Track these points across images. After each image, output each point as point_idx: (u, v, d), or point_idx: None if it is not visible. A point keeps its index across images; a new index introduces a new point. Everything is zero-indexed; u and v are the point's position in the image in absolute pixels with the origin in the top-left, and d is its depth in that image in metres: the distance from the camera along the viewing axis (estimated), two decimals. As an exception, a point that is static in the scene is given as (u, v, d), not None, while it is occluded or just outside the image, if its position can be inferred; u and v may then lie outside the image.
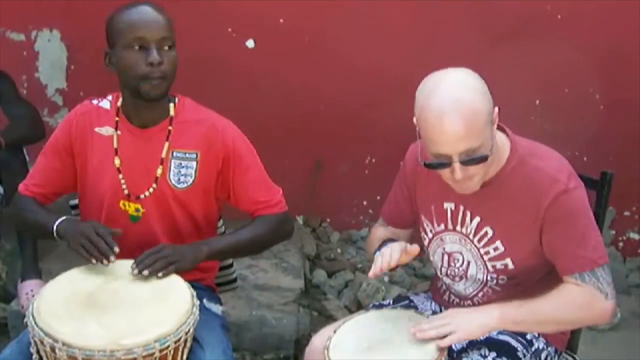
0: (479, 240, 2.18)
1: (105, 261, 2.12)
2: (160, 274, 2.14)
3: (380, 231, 2.41)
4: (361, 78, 3.97)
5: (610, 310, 2.10)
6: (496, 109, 2.01)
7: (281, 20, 3.96)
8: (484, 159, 1.99)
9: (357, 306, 3.58)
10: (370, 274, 2.11)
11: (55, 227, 2.24)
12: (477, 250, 2.19)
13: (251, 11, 3.93)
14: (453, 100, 1.94)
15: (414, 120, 2.04)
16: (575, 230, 2.07)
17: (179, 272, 2.18)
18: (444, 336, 2.03)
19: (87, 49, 3.96)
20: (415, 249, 2.13)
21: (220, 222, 2.56)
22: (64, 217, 2.28)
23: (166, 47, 2.19)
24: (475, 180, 2.06)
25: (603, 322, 2.16)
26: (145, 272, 2.13)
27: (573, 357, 2.38)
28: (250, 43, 3.98)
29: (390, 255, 2.10)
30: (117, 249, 2.13)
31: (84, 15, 3.92)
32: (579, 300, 2.08)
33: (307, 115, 4.05)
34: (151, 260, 2.16)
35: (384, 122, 3.94)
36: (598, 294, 2.07)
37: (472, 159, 1.98)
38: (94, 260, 2.13)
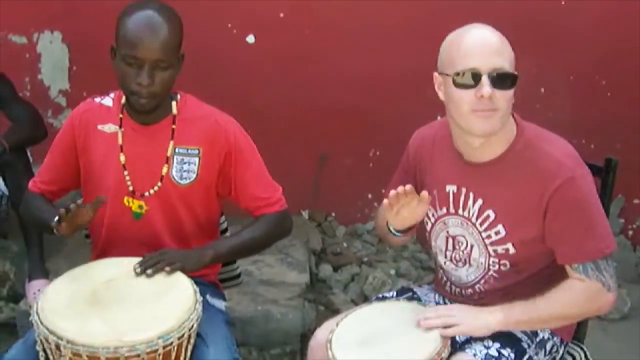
0: (481, 224, 2.17)
1: (62, 210, 2.11)
2: (167, 269, 2.16)
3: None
4: (364, 71, 3.96)
5: (611, 302, 2.10)
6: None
7: (281, 15, 3.95)
8: (513, 78, 2.02)
9: (364, 300, 3.57)
10: (390, 195, 2.11)
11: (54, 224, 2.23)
12: (479, 234, 2.18)
13: (251, 6, 3.92)
14: (485, 28, 2.05)
15: (435, 75, 2.12)
16: (581, 219, 2.06)
17: (182, 271, 2.19)
18: (447, 327, 2.04)
19: (89, 49, 3.96)
20: (425, 193, 2.11)
21: (223, 218, 2.57)
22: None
23: (162, 67, 2.19)
24: (498, 114, 2.04)
25: (603, 313, 2.16)
26: (149, 271, 2.15)
27: (580, 347, 2.36)
28: (250, 38, 3.98)
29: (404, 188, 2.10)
30: (79, 201, 2.15)
31: (85, 16, 3.93)
32: (582, 296, 2.08)
33: (310, 109, 4.04)
34: (154, 262, 2.18)
35: (388, 115, 3.93)
36: (600, 288, 2.07)
37: (503, 75, 2.01)
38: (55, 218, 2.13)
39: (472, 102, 2.02)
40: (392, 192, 2.09)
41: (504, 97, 2.02)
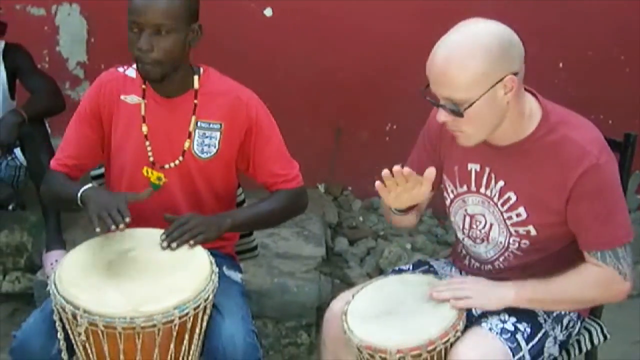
0: (502, 204, 2.15)
1: (113, 227, 2.10)
2: (192, 242, 2.16)
3: None
4: (380, 45, 3.94)
5: (626, 292, 2.09)
6: (511, 76, 1.95)
7: (299, -13, 3.94)
8: (455, 112, 1.97)
9: (379, 273, 3.57)
10: (384, 175, 2.03)
11: (80, 194, 2.23)
12: (500, 214, 2.16)
13: (269, -21, 3.91)
14: (451, 48, 1.94)
15: None
16: (603, 206, 2.03)
17: (205, 242, 2.20)
18: (459, 299, 2.06)
19: (107, 22, 3.95)
20: (431, 172, 2.04)
21: (240, 190, 2.57)
22: (89, 185, 2.29)
23: (163, 32, 2.18)
24: (465, 134, 2.03)
25: (617, 301, 2.13)
26: (174, 245, 2.16)
27: (597, 322, 2.36)
28: (268, 11, 3.96)
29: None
30: (128, 220, 2.12)
31: (103, -13, 3.93)
32: (597, 281, 2.07)
33: (326, 83, 4.03)
34: (180, 233, 2.18)
35: (404, 89, 3.89)
36: (617, 275, 2.05)
37: (446, 107, 1.98)
38: (97, 229, 2.12)
39: None
40: (385, 172, 2.02)
41: (465, 122, 1.99)
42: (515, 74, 1.96)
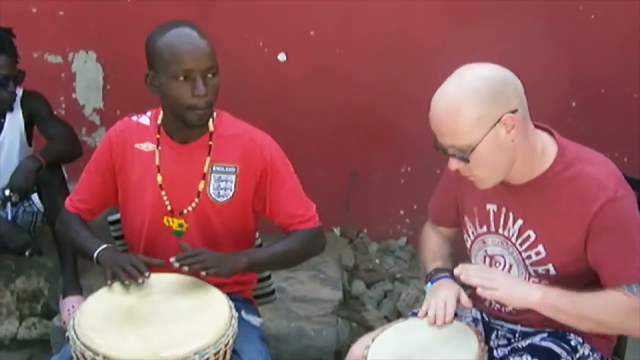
0: (521, 244, 2.15)
1: (127, 282, 2.15)
2: (203, 274, 2.16)
3: (432, 240, 2.45)
4: (394, 87, 3.95)
5: None
6: (509, 115, 1.97)
7: (312, 33, 3.97)
8: (462, 159, 2.02)
9: (397, 316, 3.55)
10: (421, 314, 2.21)
11: (96, 255, 2.29)
12: (519, 254, 2.16)
13: (282, 25, 3.94)
14: (444, 99, 2.00)
15: None
16: (624, 240, 2.03)
17: (217, 277, 2.19)
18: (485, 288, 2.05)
19: (122, 69, 4.01)
20: (467, 304, 2.21)
21: (257, 234, 2.57)
22: (105, 246, 2.32)
23: (210, 75, 2.21)
24: (478, 178, 2.07)
25: (636, 334, 2.10)
26: (185, 268, 2.15)
27: (621, 362, 2.34)
28: (282, 57, 4.00)
29: (445, 308, 2.17)
30: (147, 274, 2.17)
31: (119, 36, 3.97)
32: (624, 308, 2.04)
33: (341, 125, 4.04)
34: (192, 261, 2.17)
35: (418, 131, 3.84)
36: None
37: (455, 155, 2.03)
38: (109, 282, 2.18)
39: None
40: (430, 315, 2.18)
41: (474, 166, 2.03)
42: (514, 111, 1.98)
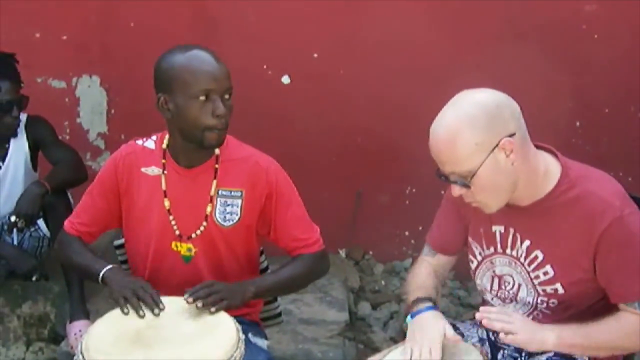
0: (529, 264, 2.15)
1: (141, 312, 2.15)
2: (213, 309, 2.16)
3: (418, 276, 2.37)
4: (398, 108, 3.97)
5: None
6: (507, 139, 1.98)
7: (315, 55, 3.99)
8: (464, 185, 2.03)
9: (403, 337, 3.48)
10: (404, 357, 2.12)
11: (102, 274, 2.29)
12: (527, 274, 2.16)
13: (286, 48, 3.96)
14: (441, 127, 2.01)
15: None
16: (632, 257, 2.03)
17: (227, 309, 2.20)
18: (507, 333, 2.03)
19: (126, 92, 4.04)
20: (454, 339, 2.12)
21: (263, 257, 2.58)
22: (110, 266, 2.32)
23: (227, 96, 2.24)
24: (482, 203, 2.08)
25: None
26: (199, 304, 2.15)
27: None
28: (285, 79, 4.02)
29: (430, 353, 2.08)
30: (162, 306, 2.17)
31: (122, 61, 4.01)
32: (637, 329, 2.04)
33: (345, 147, 4.06)
34: (205, 293, 2.18)
35: (423, 152, 3.86)
36: None
37: (456, 182, 2.04)
38: (125, 310, 2.17)
39: None
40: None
41: (476, 192, 2.04)
42: (512, 135, 1.99)
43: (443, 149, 2.01)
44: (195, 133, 2.24)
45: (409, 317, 2.22)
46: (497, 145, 1.98)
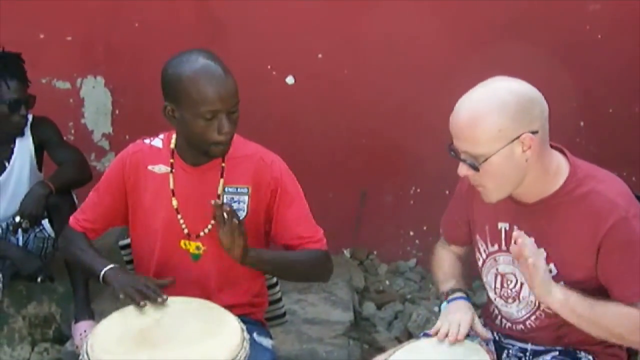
0: None
1: (142, 302, 2.17)
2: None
3: (445, 260, 2.44)
4: (402, 108, 3.97)
5: None
6: (529, 135, 1.98)
7: (320, 56, 3.99)
8: (473, 167, 2.02)
9: (408, 337, 3.54)
10: (433, 331, 2.21)
11: (102, 274, 2.30)
12: None
13: (290, 48, 3.96)
14: (471, 104, 2.01)
15: None
16: (635, 258, 2.03)
17: (227, 251, 2.20)
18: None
19: (131, 93, 4.05)
20: (483, 332, 2.21)
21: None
22: (112, 265, 2.33)
23: (235, 108, 2.24)
24: (487, 189, 2.07)
25: None
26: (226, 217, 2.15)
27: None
28: (290, 79, 4.02)
29: (458, 329, 2.16)
30: (165, 297, 2.19)
31: (126, 61, 4.02)
32: (636, 322, 2.03)
33: (350, 147, 4.06)
34: (226, 212, 2.16)
35: (428, 152, 3.91)
36: None
37: (466, 162, 2.03)
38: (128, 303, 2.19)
39: None
40: (442, 333, 2.17)
41: (484, 176, 2.04)
42: (535, 132, 1.99)
43: (464, 126, 2.00)
44: (201, 145, 2.26)
45: (445, 302, 2.29)
46: (517, 138, 1.98)
